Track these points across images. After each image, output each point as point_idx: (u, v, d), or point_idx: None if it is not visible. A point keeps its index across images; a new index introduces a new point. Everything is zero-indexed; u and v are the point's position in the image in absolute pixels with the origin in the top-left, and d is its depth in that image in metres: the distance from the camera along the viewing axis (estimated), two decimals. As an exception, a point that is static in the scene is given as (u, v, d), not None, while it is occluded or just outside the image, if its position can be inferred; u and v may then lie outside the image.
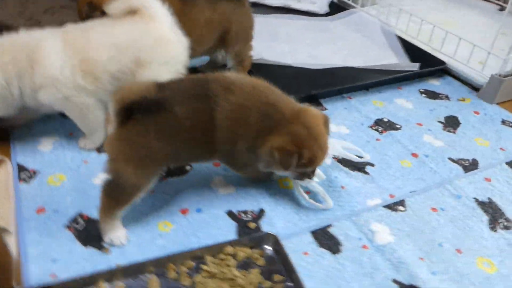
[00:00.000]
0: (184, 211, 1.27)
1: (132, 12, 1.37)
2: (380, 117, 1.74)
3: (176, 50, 1.40)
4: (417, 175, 1.47)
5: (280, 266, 1.12)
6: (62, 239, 1.15)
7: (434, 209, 1.34)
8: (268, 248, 1.17)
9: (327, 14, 2.52)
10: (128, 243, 1.16)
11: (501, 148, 1.62)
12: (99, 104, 1.38)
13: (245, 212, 1.28)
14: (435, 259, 1.19)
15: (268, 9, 2.53)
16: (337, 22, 2.44)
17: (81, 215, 1.22)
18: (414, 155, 1.56)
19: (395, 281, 1.12)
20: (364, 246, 1.21)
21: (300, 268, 1.12)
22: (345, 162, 1.49)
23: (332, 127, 1.61)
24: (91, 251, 1.13)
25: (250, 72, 1.81)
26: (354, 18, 2.43)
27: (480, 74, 1.94)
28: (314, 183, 1.31)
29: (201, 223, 1.23)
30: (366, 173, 1.46)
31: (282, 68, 1.94)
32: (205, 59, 1.89)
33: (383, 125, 1.70)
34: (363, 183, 1.42)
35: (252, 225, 1.24)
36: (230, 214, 1.27)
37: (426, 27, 2.15)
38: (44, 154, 1.42)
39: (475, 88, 1.96)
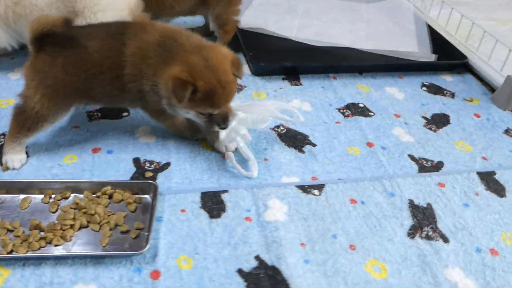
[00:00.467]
0: (95, 150, 1.29)
1: None
2: (355, 102, 1.58)
3: None
4: (359, 164, 1.32)
5: (147, 215, 1.10)
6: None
7: (353, 201, 1.20)
8: (147, 197, 1.15)
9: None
10: (28, 165, 1.22)
11: (483, 157, 1.39)
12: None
13: (151, 162, 1.27)
14: (318, 248, 1.07)
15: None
16: (370, 5, 2.26)
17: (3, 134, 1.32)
18: (370, 144, 1.40)
19: (257, 258, 1.03)
20: (247, 218, 1.12)
21: (168, 223, 1.09)
22: (284, 136, 1.39)
23: (295, 102, 1.53)
24: (-4, 165, 1.22)
25: (235, 38, 1.76)
26: (389, 3, 2.22)
27: (499, 74, 1.66)
28: (245, 148, 1.26)
29: (104, 163, 1.25)
30: (302, 151, 1.35)
31: (274, 39, 1.87)
32: (200, 21, 1.89)
33: (353, 110, 1.54)
34: (290, 160, 1.31)
35: (149, 174, 1.23)
36: (136, 160, 1.27)
37: (456, 17, 1.89)
38: None
39: (493, 89, 1.69)
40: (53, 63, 1.15)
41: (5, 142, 1.21)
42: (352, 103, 1.57)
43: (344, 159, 1.34)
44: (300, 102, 1.56)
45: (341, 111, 1.54)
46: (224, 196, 1.18)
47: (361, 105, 1.57)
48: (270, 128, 1.43)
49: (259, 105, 1.36)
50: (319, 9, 2.17)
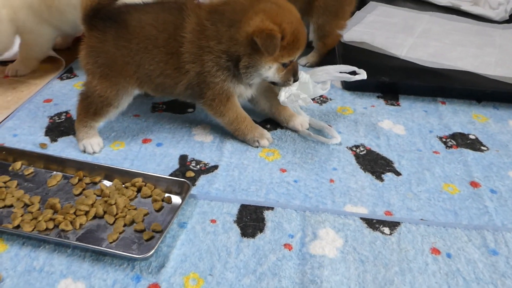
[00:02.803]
0: (146, 141, 1.18)
1: None
2: (465, 132, 1.25)
3: None
4: (453, 206, 1.00)
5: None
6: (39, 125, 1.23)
7: (435, 251, 0.89)
8: (178, 198, 0.98)
9: (503, 22, 1.98)
10: (74, 144, 1.15)
11: None
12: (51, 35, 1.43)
13: (198, 162, 1.11)
14: (369, 302, 0.78)
15: (432, 7, 2.15)
16: (508, 31, 1.89)
17: (66, 112, 1.28)
18: (474, 184, 1.07)
19: (284, 297, 0.79)
20: (287, 245, 0.89)
21: (191, 232, 0.91)
22: (362, 158, 1.13)
23: (386, 123, 1.27)
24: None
25: (332, 49, 1.56)
26: (533, 29, 1.83)
27: None
28: (312, 120, 1.23)
29: (149, 155, 1.13)
30: (380, 179, 1.07)
31: (377, 56, 1.62)
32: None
33: (460, 141, 1.22)
34: (362, 187, 1.05)
35: (190, 174, 1.06)
36: (182, 157, 1.12)
37: None
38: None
39: None
40: (104, 38, 1.09)
41: (76, 129, 1.15)
42: (460, 133, 1.25)
43: (435, 196, 1.03)
44: (393, 124, 1.28)
45: (444, 140, 1.22)
46: (267, 214, 0.96)
47: (472, 136, 1.24)
48: (347, 147, 1.18)
49: (318, 69, 1.26)
50: (441, 31, 1.87)
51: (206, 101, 1.13)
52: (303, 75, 1.17)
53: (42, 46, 1.45)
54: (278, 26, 1.01)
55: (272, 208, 0.98)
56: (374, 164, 1.12)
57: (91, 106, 1.12)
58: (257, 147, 1.17)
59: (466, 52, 1.68)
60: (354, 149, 1.18)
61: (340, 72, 1.26)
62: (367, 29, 1.84)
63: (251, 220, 0.95)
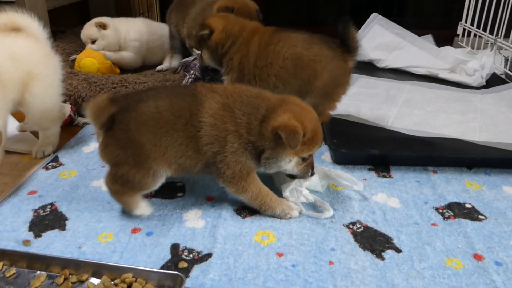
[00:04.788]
0: (135, 230, 1.13)
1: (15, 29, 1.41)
2: (460, 201, 1.24)
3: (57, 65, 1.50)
4: (460, 283, 0.96)
5: (164, 316, 0.87)
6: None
7: (447, 336, 0.83)
8: (170, 292, 0.93)
9: (481, 88, 2.05)
10: (60, 238, 1.10)
11: None
12: None
13: (190, 251, 1.06)
14: None
15: (411, 76, 2.23)
16: (488, 95, 1.95)
17: (52, 204, 1.24)
18: (478, 257, 1.03)
19: None
20: None
21: (187, 330, 0.84)
22: (360, 236, 1.10)
23: (381, 196, 1.25)
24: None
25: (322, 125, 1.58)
26: (510, 93, 1.88)
27: None
28: (306, 196, 1.21)
29: (138, 246, 1.07)
30: (381, 257, 1.03)
31: (364, 127, 1.64)
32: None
33: (457, 211, 1.20)
34: (362, 267, 1.00)
35: (183, 264, 1.01)
36: (174, 247, 1.07)
37: None
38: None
39: None
40: (128, 128, 1.10)
41: (122, 203, 1.18)
42: (455, 203, 1.23)
43: (439, 273, 0.99)
44: (387, 197, 1.26)
45: (440, 211, 1.20)
46: (266, 305, 0.91)
47: (468, 205, 1.22)
48: (344, 224, 1.15)
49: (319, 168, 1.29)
50: (423, 99, 1.92)
51: (226, 179, 1.14)
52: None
53: None
54: (301, 124, 1.08)
55: (271, 298, 0.92)
56: (373, 241, 1.09)
57: (134, 189, 1.15)
58: (289, 218, 1.17)
59: (449, 119, 1.71)
60: (351, 226, 1.14)
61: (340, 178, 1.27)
62: (351, 101, 1.88)
63: (250, 313, 0.89)
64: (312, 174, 1.19)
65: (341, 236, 1.11)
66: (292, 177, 1.20)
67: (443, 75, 2.19)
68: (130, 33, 2.19)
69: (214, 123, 1.11)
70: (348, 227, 1.14)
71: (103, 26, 2.12)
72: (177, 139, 1.12)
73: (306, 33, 1.53)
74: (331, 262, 1.02)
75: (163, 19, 2.55)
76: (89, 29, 2.15)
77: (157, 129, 1.11)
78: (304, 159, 1.15)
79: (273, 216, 1.17)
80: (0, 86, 1.30)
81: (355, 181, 1.23)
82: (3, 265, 1.00)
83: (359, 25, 1.88)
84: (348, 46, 1.44)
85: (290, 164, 1.14)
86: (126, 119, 1.11)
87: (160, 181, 1.16)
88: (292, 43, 1.49)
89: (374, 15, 2.52)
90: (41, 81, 1.42)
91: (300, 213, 1.18)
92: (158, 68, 2.21)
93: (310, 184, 1.25)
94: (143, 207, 1.17)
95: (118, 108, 1.11)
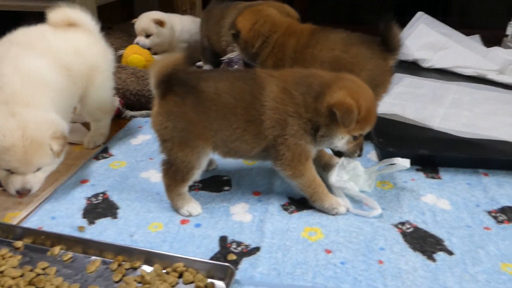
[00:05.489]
0: (184, 221, 1.15)
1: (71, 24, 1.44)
2: (514, 206, 1.20)
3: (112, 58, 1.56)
4: (516, 289, 0.93)
5: (215, 306, 0.88)
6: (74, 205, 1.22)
7: None
8: (221, 284, 0.94)
9: (533, 90, 1.98)
10: (112, 226, 1.13)
11: None
12: None
13: (238, 244, 1.07)
14: None
15: (457, 77, 2.18)
16: (540, 98, 1.87)
17: (103, 193, 1.28)
18: (534, 264, 1.00)
19: None
20: (342, 336, 0.82)
21: (238, 321, 0.86)
22: (410, 237, 1.08)
23: (430, 198, 1.23)
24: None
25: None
26: None
27: None
28: (352, 190, 1.21)
29: (187, 237, 1.09)
30: (432, 259, 1.02)
31: (410, 127, 1.61)
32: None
33: (511, 215, 1.16)
34: (413, 268, 0.99)
35: (232, 257, 1.02)
36: (222, 239, 1.09)
37: None
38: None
39: None
40: (183, 103, 1.11)
41: (171, 199, 1.19)
42: (509, 207, 1.20)
43: (494, 278, 0.96)
44: (436, 198, 1.24)
45: (493, 214, 1.17)
46: (316, 301, 0.91)
47: (523, 210, 1.19)
48: (392, 224, 1.13)
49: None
50: (472, 100, 1.87)
51: (284, 161, 1.15)
52: (360, 167, 1.24)
53: None
54: (356, 102, 1.08)
55: (321, 294, 0.92)
56: (423, 242, 1.07)
57: (177, 174, 1.14)
58: (336, 214, 1.17)
59: (500, 121, 1.66)
60: (400, 226, 1.13)
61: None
62: (396, 100, 1.85)
63: (300, 307, 0.89)
64: (360, 155, 1.18)
65: (390, 236, 1.09)
66: (339, 154, 1.20)
67: (491, 76, 2.13)
68: (183, 34, 2.21)
69: (276, 106, 1.12)
70: (397, 227, 1.12)
71: (160, 24, 2.16)
72: (233, 123, 1.13)
73: (346, 32, 1.50)
74: (380, 261, 1.01)
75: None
76: (147, 23, 2.18)
77: (214, 111, 1.12)
78: (355, 138, 1.15)
79: (321, 209, 1.18)
80: (69, 82, 1.34)
81: (401, 160, 1.23)
82: (60, 249, 1.04)
83: (402, 24, 1.84)
84: (389, 45, 1.41)
85: (341, 141, 1.15)
86: (183, 93, 1.12)
87: (205, 160, 1.16)
88: (330, 46, 1.45)
89: (419, 13, 2.47)
90: (100, 74, 1.47)
91: (347, 210, 1.18)
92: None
93: (357, 183, 1.24)
94: (192, 206, 1.18)
95: (178, 80, 1.11)
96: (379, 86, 1.49)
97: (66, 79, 1.33)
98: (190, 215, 1.17)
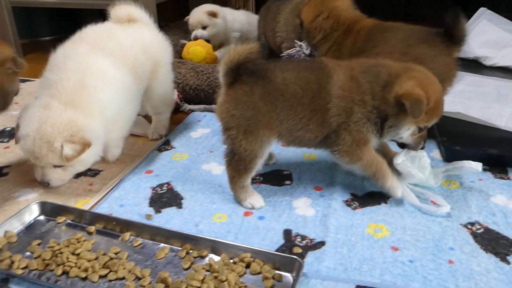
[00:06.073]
0: (247, 214, 1.16)
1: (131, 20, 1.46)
2: None
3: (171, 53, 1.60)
4: None
5: (284, 297, 0.89)
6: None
7: None
8: (288, 276, 0.94)
9: None
10: (178, 215, 1.16)
11: None
12: None
13: (303, 237, 1.07)
14: None
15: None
16: None
17: (168, 183, 1.31)
18: None
19: None
20: (415, 334, 0.81)
21: (307, 314, 0.86)
22: (480, 238, 1.05)
23: (500, 199, 1.19)
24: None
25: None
26: None
27: None
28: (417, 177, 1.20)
29: (252, 229, 1.10)
30: (506, 261, 0.98)
31: (474, 126, 1.55)
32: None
33: None
34: (486, 270, 0.95)
35: (297, 250, 1.02)
36: (286, 232, 1.09)
37: None
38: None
39: None
40: (251, 92, 1.13)
41: (234, 191, 1.20)
42: None
43: None
44: (507, 200, 1.19)
45: None
46: (385, 297, 0.89)
47: None
48: (461, 224, 1.10)
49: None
50: (538, 99, 1.78)
51: (343, 147, 1.16)
52: (426, 158, 1.21)
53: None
54: (425, 93, 1.08)
55: (390, 291, 0.91)
56: (496, 244, 1.03)
57: (240, 163, 1.15)
58: (393, 196, 1.18)
59: None
60: (469, 226, 1.09)
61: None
62: (458, 99, 1.79)
63: (369, 303, 0.88)
64: (423, 147, 1.19)
65: (459, 236, 1.06)
66: (403, 146, 1.20)
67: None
68: (234, 23, 2.25)
69: (343, 94, 1.12)
70: (467, 227, 1.09)
71: (214, 15, 2.21)
72: (300, 112, 1.13)
73: (405, 28, 1.44)
74: (451, 261, 0.98)
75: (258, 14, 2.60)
76: (200, 16, 2.25)
77: (281, 101, 1.13)
78: (420, 130, 1.14)
79: (382, 188, 1.19)
80: (135, 80, 1.38)
81: (474, 163, 1.20)
82: (130, 235, 1.08)
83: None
84: (454, 37, 1.35)
85: (407, 132, 1.15)
86: (251, 83, 1.13)
87: (268, 149, 1.17)
88: (389, 49, 1.40)
89: (482, 9, 2.38)
90: (163, 68, 1.51)
91: (415, 206, 1.17)
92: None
93: (422, 179, 1.21)
94: (255, 199, 1.18)
95: (246, 69, 1.12)
96: (444, 81, 1.44)
97: (132, 77, 1.36)
98: (252, 208, 1.18)
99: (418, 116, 1.09)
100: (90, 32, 1.40)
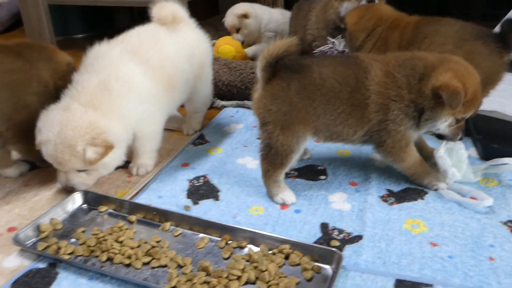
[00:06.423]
0: (284, 207, 1.18)
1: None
2: None
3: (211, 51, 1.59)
4: None
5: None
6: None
7: None
8: (327, 268, 0.95)
9: None
10: (215, 207, 1.18)
11: None
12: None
13: (340, 231, 1.08)
14: None
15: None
16: None
17: (204, 176, 1.33)
18: None
19: None
20: (457, 328, 0.81)
21: (347, 305, 0.87)
22: (522, 235, 1.03)
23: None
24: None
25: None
26: None
27: None
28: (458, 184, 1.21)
29: (289, 221, 1.12)
30: (548, 259, 0.97)
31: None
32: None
33: None
34: (529, 267, 0.94)
35: (335, 243, 1.03)
36: (323, 225, 1.10)
37: None
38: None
39: None
40: (288, 88, 1.14)
41: (267, 185, 1.20)
42: None
43: None
44: (546, 197, 1.17)
45: None
46: (427, 292, 0.89)
47: None
48: (501, 222, 1.09)
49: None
50: None
51: (386, 148, 1.18)
52: (463, 151, 1.22)
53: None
54: (462, 84, 1.08)
55: (431, 286, 0.90)
56: (537, 242, 1.02)
57: (276, 158, 1.16)
58: (436, 190, 1.21)
59: None
60: (510, 224, 1.08)
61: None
62: (495, 97, 1.75)
63: (409, 297, 0.88)
64: (461, 138, 1.19)
65: (500, 233, 1.05)
66: (440, 137, 1.21)
67: None
68: (270, 23, 2.26)
69: (379, 90, 1.13)
70: (507, 225, 1.08)
71: (245, 16, 2.23)
72: (338, 107, 1.14)
73: (457, 23, 1.44)
74: (491, 258, 0.97)
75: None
76: (233, 19, 2.28)
77: (318, 96, 1.14)
78: (457, 121, 1.15)
79: (420, 185, 1.22)
80: (168, 91, 1.33)
81: None
82: (170, 225, 1.10)
83: (496, 20, 1.75)
84: (507, 42, 1.36)
85: (444, 124, 1.15)
86: (288, 78, 1.14)
87: (304, 144, 1.17)
88: (441, 41, 1.40)
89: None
90: (206, 69, 1.52)
91: (457, 201, 1.17)
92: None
93: (460, 170, 1.21)
94: (286, 195, 1.19)
95: (283, 65, 1.13)
96: (490, 84, 1.43)
97: (163, 90, 1.30)
98: (284, 203, 1.19)
99: (456, 107, 1.09)
100: (134, 35, 1.35)
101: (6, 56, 1.24)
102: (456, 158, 1.21)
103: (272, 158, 1.17)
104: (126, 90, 1.23)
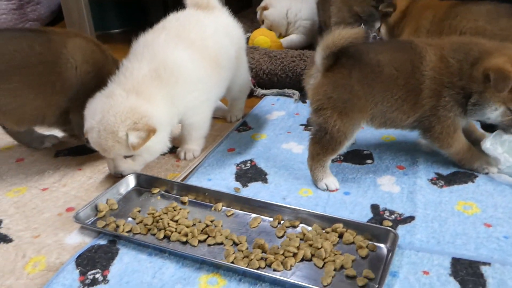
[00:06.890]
0: (333, 191, 1.19)
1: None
2: None
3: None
4: None
5: (380, 265, 0.90)
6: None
7: None
8: (382, 246, 0.96)
9: None
10: (265, 189, 1.20)
11: None
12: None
13: (391, 212, 1.08)
14: None
15: None
16: None
17: (251, 160, 1.35)
18: None
19: None
20: (519, 305, 0.80)
21: (405, 282, 0.88)
22: None
23: None
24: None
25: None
26: None
27: None
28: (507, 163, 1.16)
29: (339, 203, 1.13)
30: None
31: None
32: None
33: None
34: None
35: (387, 223, 1.04)
36: (374, 207, 1.11)
37: None
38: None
39: None
40: (350, 76, 1.14)
41: (313, 169, 1.21)
42: None
43: None
44: None
45: None
46: (484, 269, 0.89)
47: None
48: (556, 204, 1.07)
49: None
50: None
51: (433, 134, 1.19)
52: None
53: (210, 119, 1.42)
54: None
55: (489, 264, 0.90)
56: None
57: (330, 143, 1.16)
58: (486, 173, 1.21)
59: None
60: None
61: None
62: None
63: (468, 274, 0.88)
64: None
65: (555, 215, 1.04)
66: (491, 128, 1.19)
67: None
68: (302, 11, 2.27)
69: (434, 76, 1.13)
70: (562, 207, 1.06)
71: (264, 8, 2.28)
72: (396, 93, 1.14)
73: (490, 3, 1.45)
74: (549, 239, 0.96)
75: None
76: (259, 14, 2.36)
77: (377, 83, 1.14)
78: (511, 111, 1.12)
79: (471, 169, 1.21)
80: (217, 69, 1.34)
81: None
82: (222, 206, 1.13)
83: None
84: None
85: (495, 112, 1.13)
86: (350, 66, 1.14)
87: (355, 134, 1.18)
88: (473, 17, 1.42)
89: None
90: (242, 54, 1.54)
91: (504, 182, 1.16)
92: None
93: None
94: (330, 181, 1.19)
95: (344, 53, 1.13)
96: None
97: (211, 70, 1.32)
98: (327, 189, 1.19)
99: (501, 90, 1.07)
100: (173, 20, 1.36)
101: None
102: (509, 146, 1.18)
103: (326, 143, 1.16)
104: (175, 78, 1.24)
